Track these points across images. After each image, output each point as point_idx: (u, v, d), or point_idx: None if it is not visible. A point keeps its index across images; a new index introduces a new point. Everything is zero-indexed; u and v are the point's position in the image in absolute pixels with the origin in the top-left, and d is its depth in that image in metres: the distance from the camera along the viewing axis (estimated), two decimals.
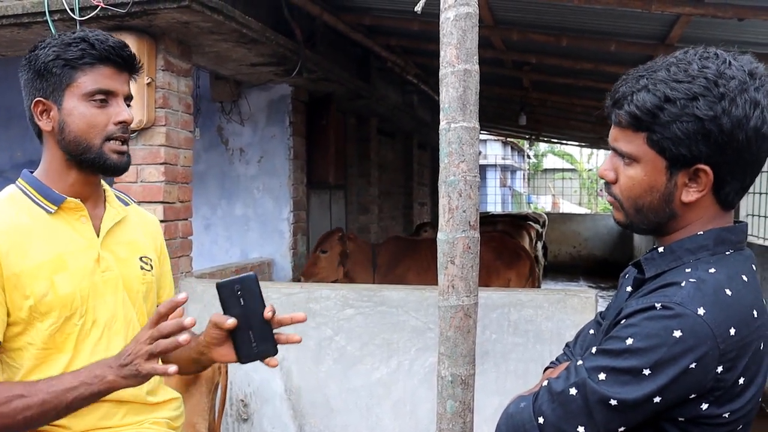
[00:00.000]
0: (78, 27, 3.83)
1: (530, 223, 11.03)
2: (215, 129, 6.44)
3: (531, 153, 34.54)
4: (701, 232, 1.32)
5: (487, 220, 10.77)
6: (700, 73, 1.25)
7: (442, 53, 2.37)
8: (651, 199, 1.33)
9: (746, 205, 7.80)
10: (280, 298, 4.22)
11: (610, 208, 1.52)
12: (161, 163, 4.23)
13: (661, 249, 1.37)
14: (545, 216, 15.31)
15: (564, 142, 17.70)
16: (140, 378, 1.50)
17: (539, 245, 10.84)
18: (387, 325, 4.04)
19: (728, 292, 1.24)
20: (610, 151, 1.41)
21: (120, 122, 1.71)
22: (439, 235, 2.39)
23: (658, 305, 1.23)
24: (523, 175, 34.95)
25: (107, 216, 1.80)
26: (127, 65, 1.74)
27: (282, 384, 4.19)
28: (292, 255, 6.27)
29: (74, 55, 1.67)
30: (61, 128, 1.69)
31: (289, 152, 6.25)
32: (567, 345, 1.68)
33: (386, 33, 6.59)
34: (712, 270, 1.27)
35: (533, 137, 17.55)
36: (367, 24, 6.11)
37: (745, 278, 1.28)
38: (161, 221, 4.17)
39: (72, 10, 3.80)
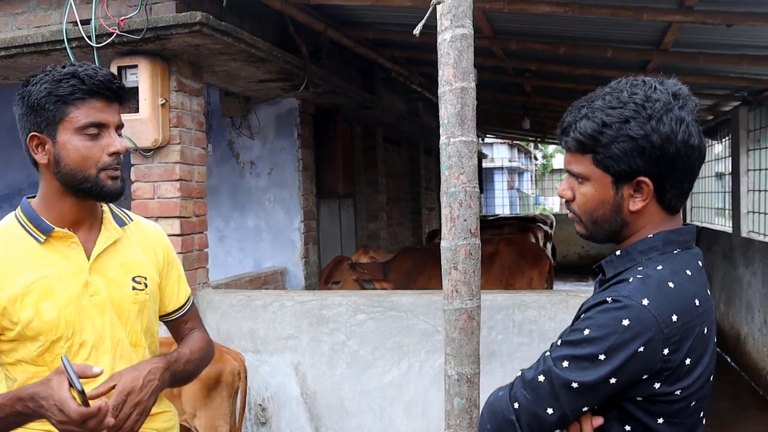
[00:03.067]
0: (95, 53, 4.02)
1: (538, 224, 11.14)
2: (226, 143, 6.62)
3: (539, 154, 34.55)
4: (651, 235, 1.51)
5: (494, 223, 10.91)
6: (629, 99, 1.45)
7: (440, 72, 2.53)
8: (603, 211, 1.53)
9: (746, 203, 7.92)
10: (294, 306, 4.38)
11: None
12: (177, 180, 4.40)
13: (618, 252, 1.56)
14: (553, 217, 15.39)
15: None
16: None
17: (548, 246, 10.97)
18: (397, 329, 4.20)
19: (671, 284, 1.42)
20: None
21: (113, 153, 1.78)
22: (443, 243, 2.55)
23: (609, 299, 1.43)
24: (531, 176, 34.98)
25: (100, 240, 1.86)
26: (117, 96, 1.81)
27: (298, 388, 4.35)
28: (304, 264, 6.44)
29: (65, 91, 1.72)
30: (56, 161, 1.76)
31: (298, 164, 6.42)
32: None
33: (390, 45, 6.76)
34: (659, 267, 1.46)
35: (538, 140, 17.65)
36: (370, 38, 6.28)
37: (689, 273, 1.47)
38: (178, 235, 4.35)
39: (89, 37, 3.99)
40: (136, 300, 1.90)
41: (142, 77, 4.19)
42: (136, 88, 4.20)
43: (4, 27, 4.51)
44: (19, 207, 1.85)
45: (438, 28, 2.54)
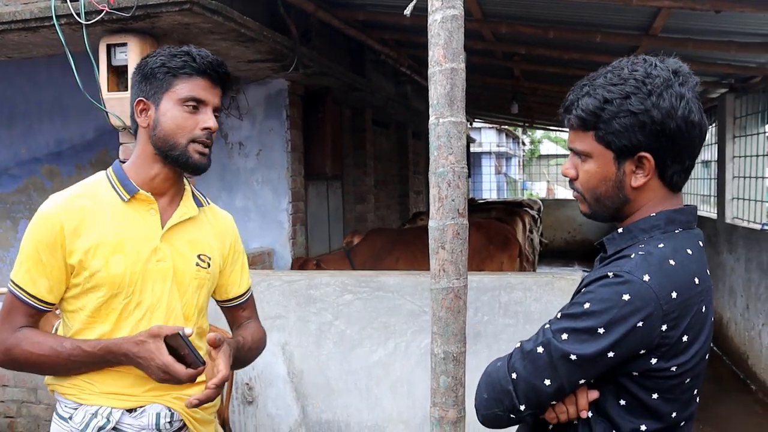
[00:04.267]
0: (84, 31, 3.99)
1: (526, 209, 11.20)
2: None
3: (527, 140, 34.63)
4: (653, 214, 1.54)
5: (481, 207, 10.95)
6: (630, 76, 1.48)
7: (430, 53, 2.54)
8: (606, 188, 1.56)
9: (731, 189, 7.98)
10: (282, 285, 4.40)
11: None
12: None
13: (620, 230, 1.59)
14: (540, 202, 15.48)
15: (555, 129, 17.86)
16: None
17: (536, 231, 11.01)
18: (384, 310, 4.23)
19: (672, 262, 1.45)
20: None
21: (205, 128, 1.93)
22: (431, 223, 2.57)
23: (610, 274, 1.45)
24: (519, 161, 35.07)
25: (177, 213, 2.00)
26: (221, 81, 1.97)
27: (285, 367, 4.38)
28: (292, 245, 6.45)
29: (177, 64, 1.90)
30: (155, 125, 1.92)
31: (286, 145, 6.41)
32: None
33: (380, 27, 6.75)
34: (661, 245, 1.49)
35: (526, 124, 17.70)
36: (360, 19, 6.27)
37: (689, 252, 1.50)
38: None
39: (78, 14, 3.96)
40: (197, 276, 2.02)
41: (131, 55, 4.16)
42: (126, 66, 4.19)
43: None
44: (110, 167, 2.00)
45: (429, 9, 2.54)
